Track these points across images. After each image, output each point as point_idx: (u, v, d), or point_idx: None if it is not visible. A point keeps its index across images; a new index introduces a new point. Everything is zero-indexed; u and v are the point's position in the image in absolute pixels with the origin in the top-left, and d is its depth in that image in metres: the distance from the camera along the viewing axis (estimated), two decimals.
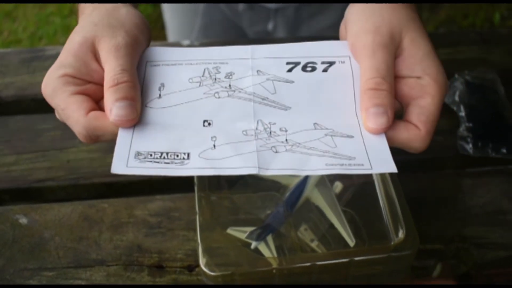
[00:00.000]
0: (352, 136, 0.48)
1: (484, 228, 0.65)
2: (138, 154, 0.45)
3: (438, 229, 0.65)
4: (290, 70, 0.52)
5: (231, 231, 0.57)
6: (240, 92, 0.50)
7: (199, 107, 0.49)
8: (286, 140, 0.47)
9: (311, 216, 0.60)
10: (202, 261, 0.52)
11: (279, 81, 0.51)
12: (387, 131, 0.47)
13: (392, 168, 0.46)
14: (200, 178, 0.60)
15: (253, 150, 0.46)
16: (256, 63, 0.53)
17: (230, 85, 0.51)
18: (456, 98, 0.77)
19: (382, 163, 0.46)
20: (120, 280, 0.58)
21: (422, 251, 0.62)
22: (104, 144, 0.72)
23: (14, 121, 0.76)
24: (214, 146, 0.46)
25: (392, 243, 0.56)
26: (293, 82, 0.51)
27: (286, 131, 0.47)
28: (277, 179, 0.62)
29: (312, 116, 0.49)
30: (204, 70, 0.52)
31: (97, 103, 0.48)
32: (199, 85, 0.51)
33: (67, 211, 0.64)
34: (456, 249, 0.63)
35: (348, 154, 0.46)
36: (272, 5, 1.02)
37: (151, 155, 0.45)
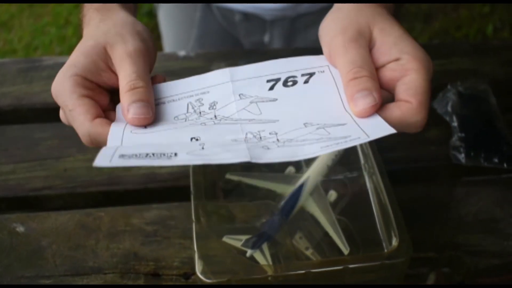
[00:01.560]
0: (344, 124, 0.47)
1: (477, 236, 0.66)
2: (122, 156, 0.43)
3: (431, 238, 0.65)
4: (271, 88, 0.52)
5: (227, 239, 0.58)
6: (226, 120, 0.50)
7: (186, 129, 0.48)
8: (277, 140, 0.46)
9: (306, 225, 0.61)
10: (198, 269, 0.53)
11: (263, 101, 0.51)
12: (380, 114, 0.47)
13: (388, 129, 0.44)
14: (197, 186, 0.60)
15: (244, 148, 0.45)
16: (237, 86, 0.52)
17: (215, 116, 0.50)
18: (449, 109, 0.78)
19: (378, 129, 0.45)
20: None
21: (415, 259, 0.62)
22: None
23: (11, 131, 0.76)
24: (203, 148, 0.45)
25: (385, 251, 0.57)
26: (276, 99, 0.51)
27: (276, 133, 0.47)
28: (273, 188, 0.63)
29: (302, 118, 0.48)
30: (188, 105, 0.51)
31: (103, 111, 0.49)
32: (185, 121, 0.50)
33: (64, 220, 0.65)
34: (449, 257, 0.64)
35: (343, 135, 0.45)
36: (268, 16, 1.03)
37: (136, 155, 0.43)
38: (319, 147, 0.44)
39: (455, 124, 0.76)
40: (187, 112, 0.51)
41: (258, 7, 1.01)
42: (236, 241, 0.58)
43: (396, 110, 0.47)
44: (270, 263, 0.56)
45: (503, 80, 0.87)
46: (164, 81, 0.53)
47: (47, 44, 2.25)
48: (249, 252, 0.56)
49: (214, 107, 0.51)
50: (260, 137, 0.47)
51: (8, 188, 0.69)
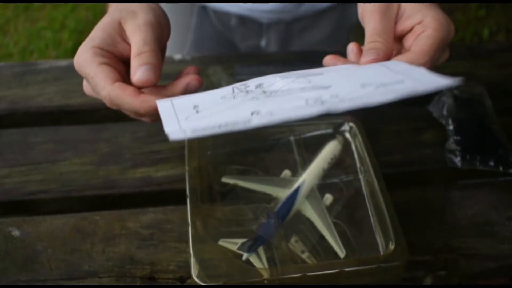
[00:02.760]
0: (402, 80, 0.46)
1: (472, 239, 0.66)
2: (195, 130, 0.43)
3: (427, 241, 0.65)
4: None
5: (223, 242, 0.58)
6: (277, 93, 0.48)
7: (241, 106, 0.47)
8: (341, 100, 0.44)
9: (302, 228, 0.61)
10: (194, 272, 0.53)
11: (310, 75, 0.50)
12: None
13: (442, 81, 0.45)
14: (192, 190, 0.60)
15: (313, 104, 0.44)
16: (281, 75, 0.52)
17: (264, 91, 0.49)
18: (444, 112, 0.78)
19: (433, 81, 0.45)
20: None
21: (411, 262, 0.62)
22: (97, 157, 0.72)
23: (6, 134, 0.76)
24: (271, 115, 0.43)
25: (381, 254, 0.57)
26: (322, 73, 0.51)
27: (337, 96, 0.44)
28: (269, 191, 0.63)
29: (356, 82, 0.47)
30: (233, 89, 0.51)
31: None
32: (234, 98, 0.49)
33: (60, 224, 0.65)
34: (444, 260, 0.64)
35: (403, 87, 0.44)
36: (264, 19, 1.03)
37: (209, 127, 0.42)
38: (387, 98, 0.42)
39: (450, 127, 0.76)
40: (233, 92, 0.51)
41: (254, 9, 1.01)
42: (232, 244, 0.57)
43: (401, 57, 0.54)
44: (266, 266, 0.56)
45: (499, 83, 0.87)
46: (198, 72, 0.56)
47: (42, 48, 2.25)
48: (245, 255, 0.56)
49: (261, 86, 0.50)
50: (322, 101, 0.44)
51: (4, 192, 0.69)
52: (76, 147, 0.74)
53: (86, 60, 0.53)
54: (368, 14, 0.57)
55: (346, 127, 0.69)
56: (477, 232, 0.67)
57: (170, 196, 0.69)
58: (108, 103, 0.53)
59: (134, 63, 0.52)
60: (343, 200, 0.64)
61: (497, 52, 0.93)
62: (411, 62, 0.52)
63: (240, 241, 0.57)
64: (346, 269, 0.54)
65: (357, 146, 0.67)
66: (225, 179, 0.65)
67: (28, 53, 2.25)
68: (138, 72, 0.52)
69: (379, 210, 0.60)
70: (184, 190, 0.61)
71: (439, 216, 0.68)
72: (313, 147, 0.67)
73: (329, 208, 0.62)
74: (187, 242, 0.63)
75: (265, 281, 0.53)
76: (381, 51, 0.54)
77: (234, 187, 0.65)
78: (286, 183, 0.63)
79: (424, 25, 0.55)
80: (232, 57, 0.89)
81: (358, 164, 0.66)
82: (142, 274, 0.60)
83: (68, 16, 2.41)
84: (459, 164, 0.73)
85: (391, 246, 0.56)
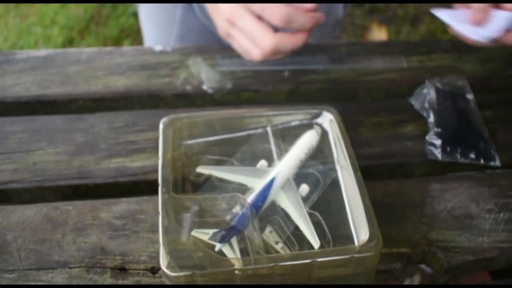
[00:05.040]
0: None
1: (451, 232, 0.65)
2: None
3: (405, 233, 0.64)
4: None
5: (195, 233, 0.56)
6: None
7: None
8: None
9: (277, 219, 0.60)
10: (163, 263, 0.52)
11: None
12: None
13: None
14: (165, 180, 0.59)
15: None
16: None
17: None
18: (426, 105, 0.77)
19: None
20: (82, 282, 0.58)
21: (388, 254, 0.62)
22: (72, 147, 0.71)
23: None
24: None
25: (356, 245, 0.56)
26: None
27: None
28: (244, 181, 0.62)
29: None
30: None
31: None
32: None
33: (31, 213, 0.63)
34: (422, 252, 0.63)
35: None
36: None
37: None
38: None
39: (431, 119, 0.75)
40: None
41: None
42: (204, 235, 0.56)
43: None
44: (239, 257, 0.55)
45: (482, 77, 0.87)
46: None
47: (32, 44, 2.24)
48: (217, 246, 0.55)
49: None
50: None
51: None
52: (51, 137, 0.73)
53: (243, 14, 0.69)
54: None
55: (324, 117, 0.68)
56: (456, 225, 0.66)
57: (145, 187, 0.68)
58: (268, 52, 0.70)
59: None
60: (319, 191, 0.63)
61: (482, 47, 0.92)
62: None
63: (212, 231, 0.56)
64: (319, 259, 0.53)
65: (334, 136, 0.66)
66: (200, 169, 0.64)
67: (18, 49, 2.23)
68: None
69: (354, 201, 0.59)
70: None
71: (418, 208, 0.67)
72: (290, 137, 0.66)
73: (305, 199, 0.61)
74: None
75: (236, 271, 0.52)
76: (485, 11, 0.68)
77: (209, 177, 0.63)
78: (261, 173, 0.62)
79: None
80: (213, 49, 0.88)
81: (335, 155, 0.65)
82: (113, 265, 0.59)
83: (58, 12, 2.40)
84: (439, 156, 0.72)
85: (365, 237, 0.55)
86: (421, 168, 0.74)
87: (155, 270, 0.59)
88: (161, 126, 0.65)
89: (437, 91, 0.79)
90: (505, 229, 0.66)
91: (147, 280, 0.58)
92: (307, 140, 0.65)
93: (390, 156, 0.74)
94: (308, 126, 0.68)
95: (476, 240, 0.64)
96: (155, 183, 0.65)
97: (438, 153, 0.72)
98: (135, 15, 2.25)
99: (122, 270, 0.59)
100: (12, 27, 2.33)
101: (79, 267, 0.59)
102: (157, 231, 0.62)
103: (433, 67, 0.87)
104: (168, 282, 0.52)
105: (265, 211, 0.60)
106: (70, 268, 0.59)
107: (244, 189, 0.62)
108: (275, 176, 0.61)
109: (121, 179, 0.68)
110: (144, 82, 0.82)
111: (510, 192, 0.70)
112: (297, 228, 0.59)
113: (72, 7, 2.42)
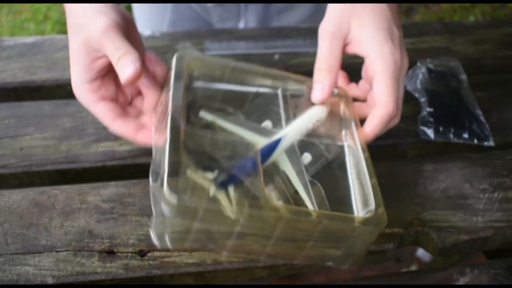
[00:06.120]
0: None
1: (444, 212, 0.64)
2: None
3: (398, 214, 0.63)
4: None
5: (190, 173, 0.50)
6: None
7: None
8: None
9: (278, 180, 0.58)
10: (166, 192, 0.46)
11: None
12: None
13: None
14: (176, 108, 0.54)
15: None
16: None
17: None
18: (418, 85, 0.76)
19: None
20: (69, 265, 0.56)
21: (381, 235, 0.60)
22: (59, 132, 0.70)
23: None
24: None
25: (363, 216, 0.54)
26: None
27: None
28: (246, 136, 0.59)
29: None
30: None
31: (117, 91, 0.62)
32: None
33: (18, 198, 0.62)
34: (415, 233, 0.62)
35: None
36: None
37: None
38: None
39: (423, 99, 0.74)
40: None
41: None
42: (200, 177, 0.51)
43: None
44: (235, 207, 0.49)
45: (475, 58, 0.86)
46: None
47: None
48: (213, 190, 0.50)
49: None
50: None
51: None
52: (38, 122, 0.71)
53: (84, 101, 0.60)
54: (320, 35, 0.62)
55: (336, 94, 0.66)
56: (450, 205, 0.65)
57: (134, 171, 0.67)
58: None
59: (117, 69, 0.56)
60: (323, 161, 0.61)
61: (475, 29, 0.92)
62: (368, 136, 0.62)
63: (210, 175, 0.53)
64: (325, 221, 0.51)
65: (344, 113, 0.64)
66: (203, 114, 0.60)
67: None
68: (122, 76, 0.55)
69: (360, 179, 0.58)
70: (148, 164, 0.58)
71: (411, 189, 0.66)
72: (298, 108, 0.64)
73: (306, 168, 0.60)
74: (148, 215, 0.61)
75: (238, 215, 0.49)
76: (326, 84, 0.61)
77: (209, 124, 0.60)
78: (266, 132, 0.59)
79: (372, 66, 0.60)
80: (202, 33, 0.87)
81: (343, 132, 0.63)
82: (101, 248, 0.58)
83: (51, 8, 2.39)
84: (432, 136, 0.71)
85: (369, 215, 0.54)
86: (414, 149, 0.73)
87: (143, 253, 0.58)
88: (174, 60, 0.60)
89: (430, 71, 0.78)
90: (500, 208, 0.65)
91: (136, 263, 0.57)
92: (317, 112, 0.63)
93: (382, 137, 0.73)
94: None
95: (470, 219, 0.64)
96: (144, 166, 0.64)
97: (430, 133, 0.71)
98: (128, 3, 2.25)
99: (110, 253, 0.58)
100: (5, 23, 2.32)
101: (66, 250, 0.58)
102: (146, 214, 0.61)
103: (425, 49, 0.86)
104: (167, 213, 0.48)
105: (267, 169, 0.58)
106: (57, 251, 0.58)
107: (245, 143, 0.58)
108: (282, 137, 0.59)
109: (109, 163, 0.67)
110: None
111: (504, 171, 0.69)
112: (297, 192, 0.57)
113: None
